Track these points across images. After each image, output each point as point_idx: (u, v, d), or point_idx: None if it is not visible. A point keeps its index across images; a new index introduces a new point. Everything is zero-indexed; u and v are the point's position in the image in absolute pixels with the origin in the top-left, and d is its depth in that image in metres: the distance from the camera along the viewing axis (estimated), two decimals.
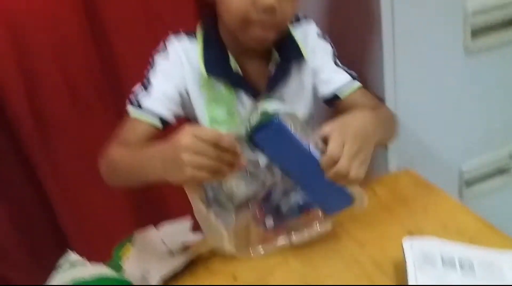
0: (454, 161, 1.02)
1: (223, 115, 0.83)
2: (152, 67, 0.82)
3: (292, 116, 0.62)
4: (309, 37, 0.85)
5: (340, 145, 0.59)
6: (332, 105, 0.85)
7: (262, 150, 0.62)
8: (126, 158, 0.72)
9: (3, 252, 1.37)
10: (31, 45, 1.19)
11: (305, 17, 0.86)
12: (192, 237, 0.78)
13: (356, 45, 0.95)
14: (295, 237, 0.73)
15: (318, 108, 0.91)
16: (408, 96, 0.91)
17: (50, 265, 0.66)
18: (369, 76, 0.92)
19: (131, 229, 0.87)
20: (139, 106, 0.79)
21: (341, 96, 0.83)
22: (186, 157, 0.57)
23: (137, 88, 0.81)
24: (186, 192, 0.65)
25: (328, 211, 0.68)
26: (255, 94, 0.82)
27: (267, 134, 0.60)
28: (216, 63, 0.80)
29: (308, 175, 0.62)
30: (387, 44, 0.86)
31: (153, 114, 0.78)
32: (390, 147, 0.93)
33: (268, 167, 0.71)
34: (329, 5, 1.02)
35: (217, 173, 0.59)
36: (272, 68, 0.82)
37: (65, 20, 1.18)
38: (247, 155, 0.62)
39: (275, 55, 0.81)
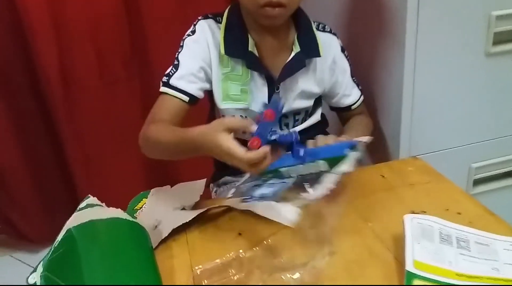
0: (465, 159, 1.05)
1: (236, 92, 0.89)
2: (181, 48, 0.89)
3: None
4: (333, 48, 0.93)
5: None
6: (337, 111, 0.99)
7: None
8: (171, 138, 0.78)
9: (18, 205, 1.43)
10: (67, 15, 1.26)
11: (331, 30, 0.94)
12: None
13: (377, 43, 0.99)
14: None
15: None
16: (426, 91, 0.95)
17: (60, 221, 0.70)
18: (387, 66, 0.97)
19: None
20: (169, 84, 0.86)
21: (353, 108, 0.98)
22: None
23: (169, 69, 0.88)
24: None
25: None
26: (269, 76, 0.88)
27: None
28: (235, 44, 0.86)
29: None
30: (409, 42, 0.90)
31: (181, 91, 0.85)
32: (403, 137, 0.96)
33: None
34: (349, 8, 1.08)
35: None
36: (291, 56, 0.87)
37: None
38: None
39: (297, 47, 0.87)
